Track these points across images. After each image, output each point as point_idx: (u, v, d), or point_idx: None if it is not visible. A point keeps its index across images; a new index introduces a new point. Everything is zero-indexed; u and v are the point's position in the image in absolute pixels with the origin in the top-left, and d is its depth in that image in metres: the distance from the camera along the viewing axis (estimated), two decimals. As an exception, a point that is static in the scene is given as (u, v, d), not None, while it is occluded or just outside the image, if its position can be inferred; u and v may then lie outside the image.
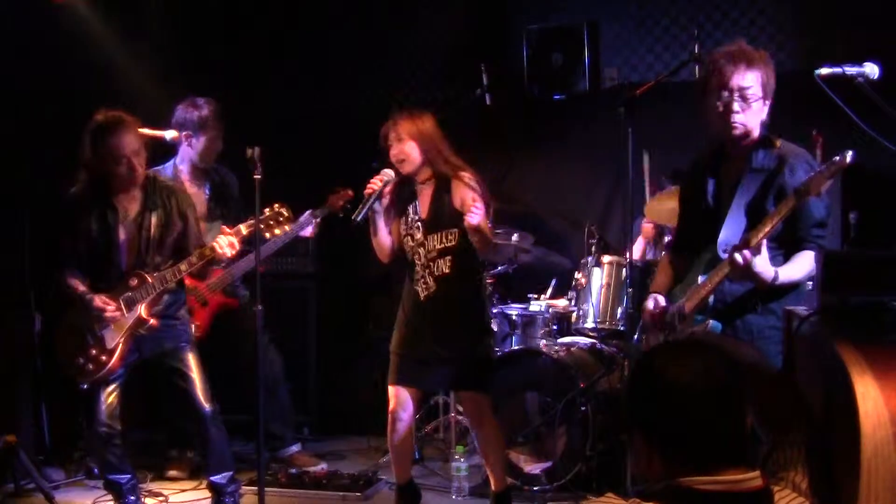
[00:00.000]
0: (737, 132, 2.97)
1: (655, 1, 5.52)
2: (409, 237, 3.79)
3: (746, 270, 2.76)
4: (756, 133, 3.00)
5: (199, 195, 4.62)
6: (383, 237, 3.84)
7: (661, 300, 3.16)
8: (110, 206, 3.81)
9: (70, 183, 3.89)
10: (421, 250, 3.75)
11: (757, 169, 2.98)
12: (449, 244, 3.72)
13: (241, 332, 4.39)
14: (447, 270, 3.71)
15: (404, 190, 3.82)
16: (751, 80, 2.91)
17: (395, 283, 4.94)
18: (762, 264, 2.76)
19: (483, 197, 3.70)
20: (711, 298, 2.98)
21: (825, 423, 2.00)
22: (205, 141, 4.53)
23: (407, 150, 3.74)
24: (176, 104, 4.61)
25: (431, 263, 3.73)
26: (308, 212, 4.49)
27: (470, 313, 3.80)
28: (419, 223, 3.78)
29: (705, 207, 3.11)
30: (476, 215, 3.50)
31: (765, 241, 2.77)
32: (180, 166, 4.62)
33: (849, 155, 2.59)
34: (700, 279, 3.02)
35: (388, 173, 3.75)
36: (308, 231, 4.50)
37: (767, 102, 2.96)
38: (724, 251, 2.96)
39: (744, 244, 2.79)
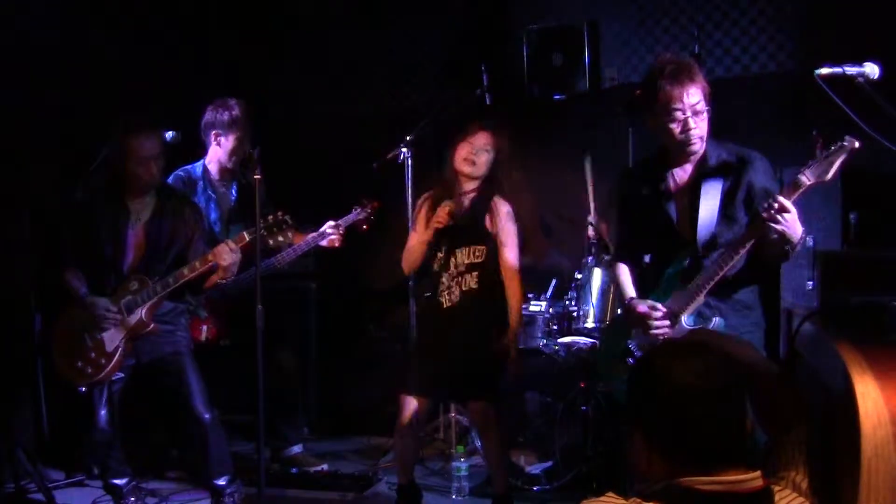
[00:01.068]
0: (696, 146, 3.04)
1: (656, 1, 5.52)
2: (440, 248, 3.84)
3: (781, 218, 2.74)
4: (705, 138, 3.07)
5: (225, 196, 4.67)
6: (420, 250, 3.88)
7: (655, 304, 3.14)
8: (123, 208, 3.82)
9: (77, 181, 3.90)
10: (452, 261, 3.80)
11: (713, 170, 3.05)
12: (476, 260, 3.79)
13: (253, 333, 4.40)
14: (474, 286, 3.77)
15: (443, 198, 3.87)
16: (697, 95, 2.97)
17: (394, 284, 4.95)
18: (794, 217, 2.77)
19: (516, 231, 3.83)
20: (701, 298, 3.01)
21: (825, 423, 2.00)
22: (233, 140, 4.57)
23: (483, 160, 3.80)
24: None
25: (459, 277, 3.78)
26: (329, 223, 4.50)
27: (489, 327, 3.83)
28: (450, 234, 3.82)
29: (664, 212, 3.13)
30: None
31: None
32: (209, 166, 4.66)
33: (855, 139, 2.63)
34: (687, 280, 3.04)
35: (448, 203, 3.81)
36: (326, 241, 4.52)
37: (709, 107, 3.03)
38: (705, 251, 3.01)
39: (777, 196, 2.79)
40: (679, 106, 2.97)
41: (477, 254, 3.79)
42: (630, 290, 3.26)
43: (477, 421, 4.03)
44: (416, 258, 3.91)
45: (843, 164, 2.70)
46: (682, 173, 3.14)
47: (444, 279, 3.81)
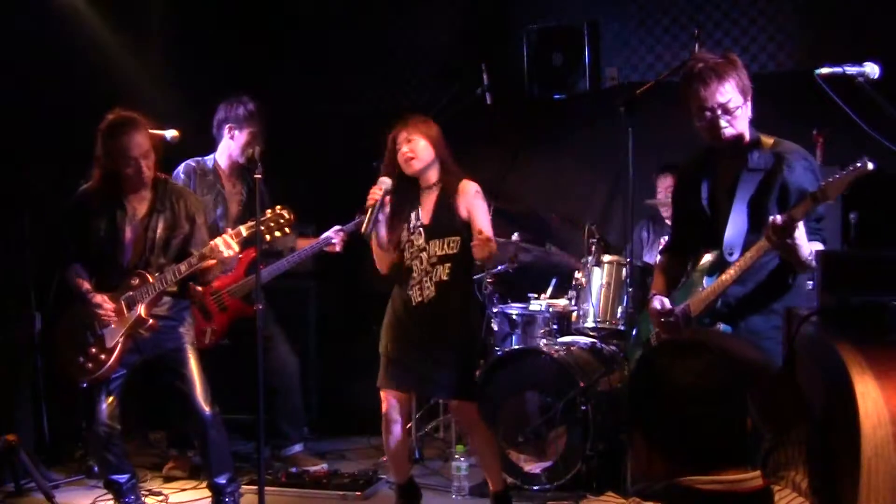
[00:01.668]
0: (729, 143, 2.99)
1: (656, 1, 5.52)
2: (410, 243, 3.78)
3: (785, 238, 2.71)
4: (747, 134, 3.01)
5: (234, 194, 4.69)
6: (385, 248, 3.82)
7: (667, 302, 3.14)
8: (120, 206, 3.82)
9: (77, 181, 3.90)
10: (423, 255, 3.74)
11: (753, 169, 2.99)
12: (451, 251, 3.72)
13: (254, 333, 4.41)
14: (445, 277, 3.71)
15: (407, 196, 3.80)
16: (727, 93, 2.91)
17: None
18: (801, 236, 2.73)
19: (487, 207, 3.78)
20: (718, 301, 2.99)
21: (825, 423, 2.00)
22: (247, 134, 4.62)
23: (419, 148, 3.73)
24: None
25: (431, 269, 3.73)
26: (335, 227, 4.60)
27: (460, 321, 3.79)
28: (420, 228, 3.76)
29: (700, 210, 3.11)
30: (483, 247, 3.46)
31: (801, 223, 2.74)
32: (219, 160, 4.68)
33: (870, 162, 2.58)
34: (706, 281, 3.02)
35: (385, 181, 3.74)
36: (337, 247, 4.61)
37: (748, 102, 2.96)
38: (730, 253, 2.97)
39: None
40: (707, 106, 2.92)
41: (451, 245, 3.72)
42: (656, 285, 3.26)
43: (460, 420, 4.02)
44: (380, 255, 3.83)
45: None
46: (723, 169, 3.09)
47: (414, 273, 3.75)
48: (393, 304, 3.85)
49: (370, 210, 3.71)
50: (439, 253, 3.72)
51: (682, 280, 3.20)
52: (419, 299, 3.74)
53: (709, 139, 3.01)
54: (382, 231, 3.80)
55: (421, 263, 3.75)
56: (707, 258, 3.05)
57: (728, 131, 2.94)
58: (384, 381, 3.81)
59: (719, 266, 2.99)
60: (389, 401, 3.82)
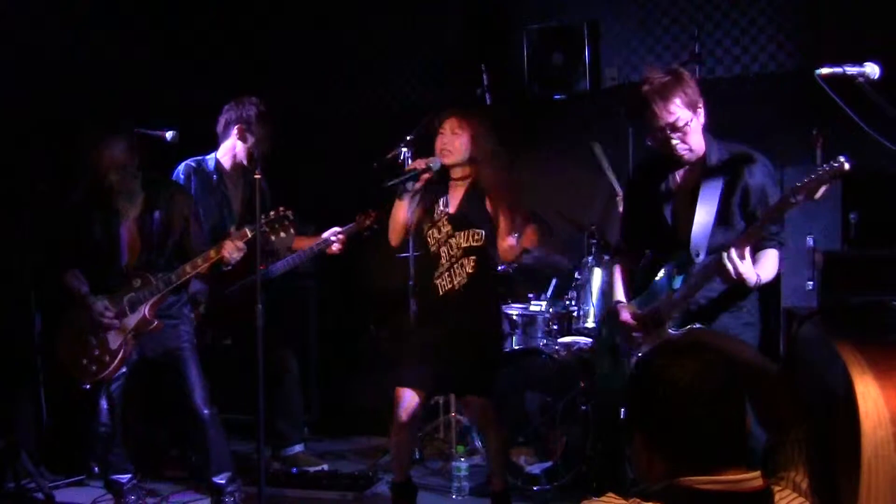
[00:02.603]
0: (685, 157, 3.05)
1: (656, 1, 5.52)
2: (436, 229, 3.79)
3: (733, 275, 2.81)
4: (702, 143, 3.06)
5: (236, 194, 4.65)
6: (402, 217, 3.82)
7: (633, 311, 3.18)
8: (112, 210, 3.82)
9: (73, 185, 3.90)
10: (452, 241, 3.76)
11: (713, 173, 3.04)
12: (475, 244, 3.75)
13: (253, 333, 4.42)
14: (470, 270, 3.73)
15: (437, 183, 3.82)
16: (673, 111, 2.95)
17: (394, 283, 4.96)
18: (747, 270, 2.81)
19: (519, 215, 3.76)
20: (687, 305, 3.03)
21: (825, 423, 2.00)
22: (258, 136, 4.57)
23: (458, 144, 3.77)
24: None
25: (456, 261, 3.75)
26: (334, 228, 4.59)
27: (485, 316, 3.83)
28: (446, 217, 3.78)
29: (661, 213, 3.14)
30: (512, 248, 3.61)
31: (748, 248, 2.81)
32: (222, 160, 4.64)
33: (846, 161, 2.60)
34: (676, 283, 3.04)
35: (436, 161, 3.76)
36: (335, 248, 4.61)
37: (699, 112, 3.01)
38: (697, 254, 3.01)
39: (732, 249, 2.81)
40: (657, 126, 2.98)
41: (476, 237, 3.74)
42: (619, 293, 3.29)
43: (475, 417, 4.02)
44: (395, 222, 3.85)
45: (832, 184, 2.68)
46: (682, 174, 3.14)
47: (443, 259, 3.76)
48: (417, 300, 3.86)
49: (407, 173, 3.74)
50: (464, 245, 3.75)
51: (643, 283, 3.21)
52: (448, 286, 3.74)
53: (665, 154, 3.07)
54: (406, 201, 3.80)
55: (451, 250, 3.76)
56: (672, 262, 3.08)
57: (681, 147, 3.01)
58: (403, 379, 3.77)
59: (687, 268, 3.03)
60: (405, 399, 3.77)
